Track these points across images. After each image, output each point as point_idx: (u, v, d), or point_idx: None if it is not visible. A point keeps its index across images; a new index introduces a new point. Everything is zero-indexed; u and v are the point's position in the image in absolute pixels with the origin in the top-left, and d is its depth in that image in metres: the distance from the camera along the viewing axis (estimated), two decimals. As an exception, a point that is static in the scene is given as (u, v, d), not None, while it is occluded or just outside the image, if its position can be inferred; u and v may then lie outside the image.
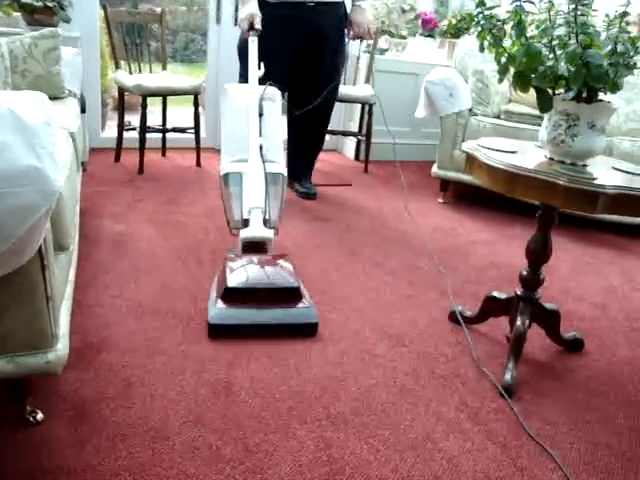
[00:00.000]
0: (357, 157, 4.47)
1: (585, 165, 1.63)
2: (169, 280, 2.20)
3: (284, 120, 2.78)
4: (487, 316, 2.00)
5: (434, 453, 1.43)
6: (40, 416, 1.41)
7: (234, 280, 1.92)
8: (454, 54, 3.91)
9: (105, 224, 2.71)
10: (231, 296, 1.88)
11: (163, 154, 4.10)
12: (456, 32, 4.50)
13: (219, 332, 1.83)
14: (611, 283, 2.60)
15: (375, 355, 1.83)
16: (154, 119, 4.02)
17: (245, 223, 2.16)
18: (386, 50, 4.55)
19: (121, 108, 3.70)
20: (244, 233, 2.12)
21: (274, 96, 2.55)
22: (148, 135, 3.62)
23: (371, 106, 4.01)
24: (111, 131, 4.09)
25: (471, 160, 1.68)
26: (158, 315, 1.94)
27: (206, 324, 1.86)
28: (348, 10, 3.22)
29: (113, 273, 2.21)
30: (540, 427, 1.57)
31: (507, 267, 2.63)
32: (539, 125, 3.18)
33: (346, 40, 3.24)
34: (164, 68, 3.89)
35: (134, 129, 3.73)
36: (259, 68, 2.64)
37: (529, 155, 1.71)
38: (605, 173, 1.58)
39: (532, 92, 1.60)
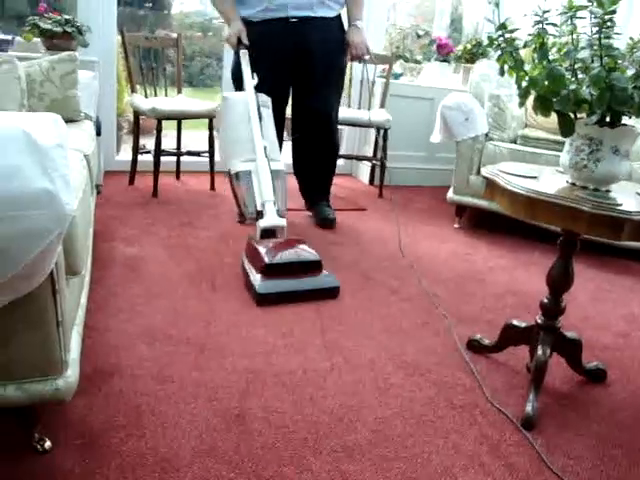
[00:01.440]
0: (372, 182, 4.45)
1: (608, 191, 1.59)
2: (182, 305, 2.17)
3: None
4: (506, 345, 1.95)
5: (454, 489, 1.38)
6: (48, 444, 1.38)
7: (269, 258, 2.32)
8: (469, 79, 3.89)
9: (118, 247, 2.70)
10: (270, 270, 2.28)
11: (177, 177, 4.10)
12: (471, 57, 4.49)
13: (266, 299, 2.22)
14: (632, 311, 2.53)
15: (392, 384, 1.78)
16: (169, 143, 4.03)
17: (259, 214, 2.57)
18: (401, 75, 4.55)
19: (136, 131, 3.71)
20: (263, 222, 2.54)
21: (267, 102, 2.88)
22: (163, 158, 3.62)
23: (386, 131, 4.00)
24: (126, 154, 4.11)
25: (491, 185, 1.65)
26: (170, 341, 1.91)
27: (253, 296, 2.25)
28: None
29: (125, 297, 2.19)
30: (564, 462, 1.51)
31: (525, 294, 2.57)
32: (556, 150, 3.18)
33: (345, 60, 3.19)
34: (179, 92, 3.91)
35: (149, 152, 3.73)
36: (252, 78, 2.89)
37: (550, 180, 1.67)
38: (629, 199, 1.54)
39: (548, 118, 1.57)
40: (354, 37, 3.08)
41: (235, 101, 2.82)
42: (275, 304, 2.20)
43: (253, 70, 2.91)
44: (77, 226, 1.35)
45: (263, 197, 2.59)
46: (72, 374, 1.34)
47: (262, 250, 2.36)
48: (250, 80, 2.87)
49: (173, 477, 1.33)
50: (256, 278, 2.28)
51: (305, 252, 2.42)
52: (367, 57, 3.13)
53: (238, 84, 3.02)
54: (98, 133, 3.14)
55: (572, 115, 1.54)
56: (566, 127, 1.54)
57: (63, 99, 2.40)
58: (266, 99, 2.87)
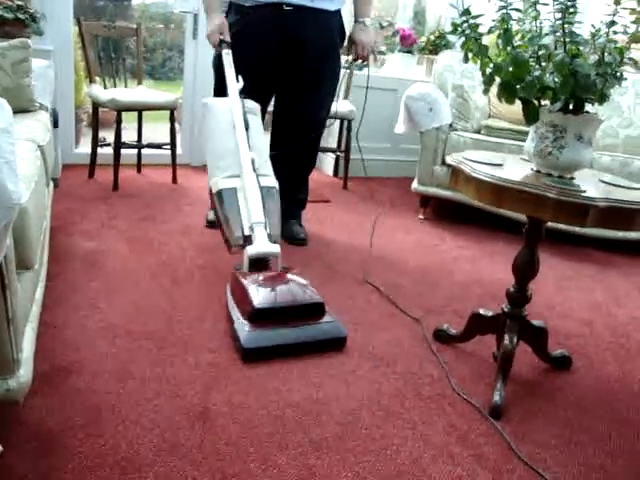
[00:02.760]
0: (336, 173, 4.42)
1: (572, 178, 1.59)
2: (143, 300, 2.11)
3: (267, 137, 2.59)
4: (473, 334, 1.94)
5: (422, 479, 1.36)
6: (0, 449, 1.31)
7: (260, 300, 1.87)
8: (433, 69, 3.89)
9: (77, 242, 2.61)
10: (259, 317, 1.85)
11: (138, 170, 4.00)
12: (434, 48, 4.50)
13: (255, 356, 1.79)
14: (595, 299, 2.56)
15: (359, 376, 1.76)
16: (130, 135, 3.94)
17: (247, 240, 2.13)
18: (365, 66, 4.52)
19: (95, 123, 3.61)
20: (251, 250, 2.08)
21: (255, 109, 2.52)
22: (123, 151, 3.53)
23: (350, 122, 3.97)
24: (85, 147, 3.99)
25: (456, 173, 1.63)
26: (131, 336, 1.85)
27: (238, 349, 1.81)
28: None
29: (84, 292, 2.12)
30: (531, 450, 1.50)
31: (491, 283, 2.58)
32: (519, 140, 3.20)
33: (343, 61, 2.91)
34: (139, 83, 3.82)
35: (109, 145, 3.64)
36: (237, 81, 2.51)
37: (515, 168, 1.66)
38: (593, 186, 1.54)
39: (511, 107, 1.56)
40: (361, 36, 2.78)
41: (217, 108, 2.44)
42: (265, 360, 1.79)
43: (235, 59, 2.54)
44: (29, 218, 1.29)
45: (251, 219, 2.15)
46: (25, 374, 1.28)
47: (250, 289, 1.91)
48: (234, 83, 2.48)
49: (134, 477, 1.28)
50: (242, 327, 1.84)
51: (304, 291, 1.97)
52: (372, 58, 2.92)
53: (219, 74, 2.64)
54: (55, 125, 3.04)
55: (536, 102, 1.54)
56: (530, 114, 1.54)
57: (16, 88, 2.31)
58: (253, 105, 2.51)
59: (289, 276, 2.05)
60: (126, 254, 2.52)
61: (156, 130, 4.58)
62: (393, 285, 2.46)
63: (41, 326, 1.82)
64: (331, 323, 1.92)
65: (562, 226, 3.09)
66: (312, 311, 1.92)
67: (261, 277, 2.00)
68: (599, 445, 1.55)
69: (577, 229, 3.13)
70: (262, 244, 2.09)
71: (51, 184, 2.70)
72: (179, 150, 4.05)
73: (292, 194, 2.97)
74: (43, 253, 1.95)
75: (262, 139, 2.47)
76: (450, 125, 3.40)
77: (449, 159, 1.67)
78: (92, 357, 1.72)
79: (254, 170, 2.25)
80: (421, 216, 3.53)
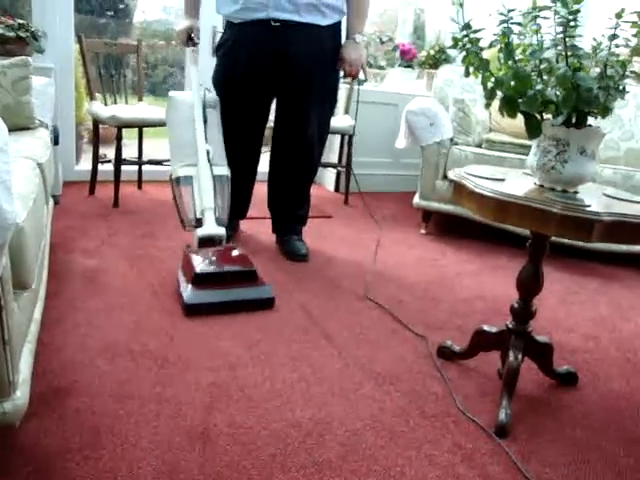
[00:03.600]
0: (337, 189, 4.41)
1: (576, 192, 1.57)
2: (143, 318, 2.09)
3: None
4: (477, 351, 1.91)
5: (428, 502, 1.33)
6: (-4, 472, 1.29)
7: (201, 267, 2.25)
8: (433, 84, 3.89)
9: (77, 259, 2.60)
10: (200, 281, 2.20)
11: (139, 187, 4.00)
12: (434, 63, 4.51)
13: (194, 310, 2.13)
14: (600, 313, 2.53)
15: (361, 395, 1.73)
16: (130, 152, 3.94)
17: (199, 222, 2.39)
18: (364, 80, 4.53)
19: (96, 140, 3.61)
20: (201, 231, 2.35)
21: (215, 103, 2.69)
22: (124, 168, 3.53)
23: (351, 137, 3.97)
24: (86, 164, 3.98)
25: (459, 189, 1.61)
26: (131, 356, 1.83)
27: (182, 307, 2.15)
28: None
29: (83, 311, 2.09)
30: (539, 469, 1.47)
31: (494, 298, 2.55)
32: (521, 153, 3.19)
33: (337, 76, 2.83)
34: (140, 100, 3.82)
35: (109, 161, 3.63)
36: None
37: (518, 182, 1.65)
38: (597, 200, 1.52)
39: (513, 121, 1.55)
40: (351, 52, 2.68)
41: (179, 101, 2.66)
42: (204, 315, 2.12)
43: (231, 77, 2.70)
44: (26, 237, 1.28)
45: (203, 204, 2.43)
46: (22, 396, 1.26)
47: (194, 259, 2.30)
48: (196, 79, 2.68)
49: (133, 501, 1.25)
50: (186, 288, 2.20)
51: (240, 261, 2.37)
52: (361, 76, 2.86)
53: (220, 91, 2.74)
54: (56, 142, 3.04)
55: (538, 116, 1.52)
56: (533, 128, 1.52)
57: (15, 105, 2.30)
58: (213, 99, 2.69)
59: (230, 251, 2.46)
60: (126, 271, 2.51)
61: (157, 146, 4.58)
62: (395, 301, 2.43)
63: (39, 346, 1.79)
64: (261, 287, 2.28)
65: (565, 240, 3.08)
66: (246, 277, 2.29)
67: (206, 253, 2.37)
68: (608, 464, 1.52)
69: (580, 243, 3.11)
70: (210, 227, 2.37)
71: (51, 201, 2.69)
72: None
73: (292, 210, 2.99)
74: (42, 272, 1.93)
75: (218, 132, 2.68)
76: (451, 139, 3.40)
77: (451, 174, 1.66)
78: (91, 377, 1.69)
79: (209, 160, 2.50)
80: (423, 231, 3.51)
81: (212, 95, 2.71)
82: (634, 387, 1.93)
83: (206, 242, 2.36)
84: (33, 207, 1.47)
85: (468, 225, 3.37)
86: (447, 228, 3.60)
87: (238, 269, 2.30)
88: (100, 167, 3.68)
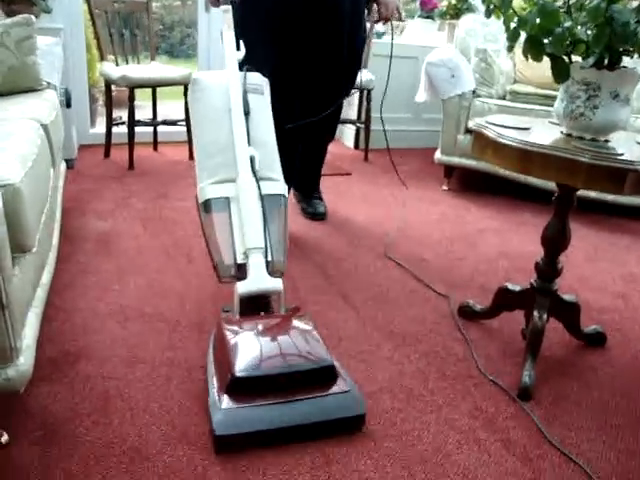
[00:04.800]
0: (357, 145, 4.30)
1: (607, 141, 1.46)
2: (156, 280, 2.04)
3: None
4: (500, 310, 1.84)
5: (447, 467, 1.28)
6: (5, 438, 1.26)
7: (243, 364, 1.34)
8: (455, 34, 3.73)
9: (90, 223, 2.56)
10: (241, 388, 1.33)
11: (155, 149, 3.94)
12: (456, 13, 4.31)
13: (231, 445, 1.29)
14: (630, 271, 2.43)
15: (379, 357, 1.67)
16: (146, 114, 3.87)
17: (240, 270, 1.62)
18: (383, 33, 4.37)
19: (109, 102, 3.54)
20: (243, 287, 1.56)
21: (261, 86, 1.93)
22: (139, 130, 3.47)
23: (369, 92, 3.84)
24: (101, 127, 3.93)
25: (479, 139, 1.52)
26: (142, 319, 1.79)
27: (209, 432, 1.32)
28: None
29: (95, 274, 2.06)
30: (563, 434, 1.41)
31: (518, 256, 2.46)
32: (547, 105, 3.04)
33: (367, 23, 2.60)
34: (152, 60, 3.73)
35: (124, 123, 3.57)
36: (238, 48, 1.99)
37: (544, 131, 1.54)
38: (631, 148, 1.41)
39: (539, 71, 1.44)
40: None
41: (208, 85, 1.87)
42: (245, 448, 1.29)
43: (245, 34, 2.06)
44: (23, 198, 1.22)
45: (246, 243, 1.62)
46: (25, 362, 1.22)
47: (232, 347, 1.40)
48: (233, 52, 1.94)
49: (142, 467, 1.22)
50: (217, 401, 1.33)
51: (307, 350, 1.42)
52: (397, 18, 2.58)
53: (249, 38, 2.08)
54: (68, 105, 2.97)
55: (566, 58, 1.41)
56: (560, 72, 1.41)
57: (21, 66, 2.23)
58: (258, 81, 1.93)
59: (290, 325, 1.54)
60: (140, 234, 2.46)
61: (172, 108, 4.50)
62: (416, 259, 2.36)
63: (50, 310, 1.77)
64: (343, 395, 1.37)
65: (593, 194, 2.95)
66: (317, 378, 1.38)
67: (251, 328, 1.49)
68: (636, 428, 1.45)
69: (609, 197, 2.99)
70: (258, 278, 1.58)
71: (63, 165, 2.64)
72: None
73: (317, 168, 2.86)
74: (52, 236, 1.89)
75: (269, 128, 1.89)
76: (473, 91, 3.25)
77: (471, 124, 1.56)
78: (102, 341, 1.66)
79: (254, 173, 1.71)
80: (445, 187, 3.40)
81: (256, 75, 1.94)
82: (666, 346, 1.84)
83: (252, 304, 1.59)
84: (33, 168, 1.41)
85: (491, 181, 3.26)
86: (470, 184, 3.49)
87: (307, 366, 1.38)
88: (115, 130, 3.63)
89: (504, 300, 1.81)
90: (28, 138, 1.59)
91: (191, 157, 3.70)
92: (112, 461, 1.23)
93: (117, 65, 3.55)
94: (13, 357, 1.18)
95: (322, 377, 1.39)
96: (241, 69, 1.90)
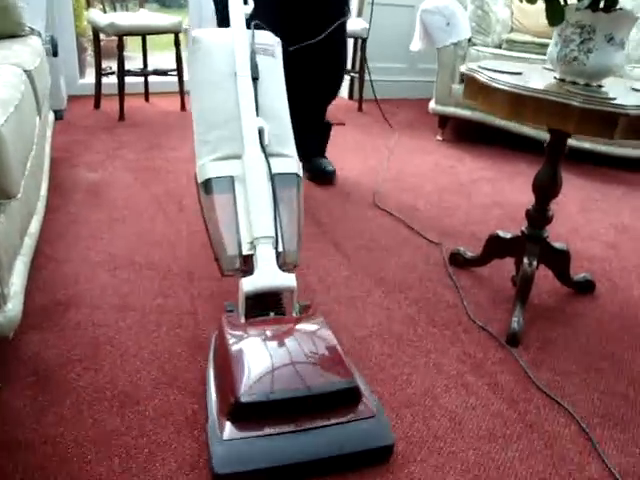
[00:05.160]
0: (351, 96, 4.24)
1: (600, 86, 1.44)
2: (147, 229, 2.04)
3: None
4: (491, 257, 1.84)
5: (434, 410, 1.30)
6: (-3, 383, 1.27)
7: (250, 386, 1.11)
8: (451, -20, 3.63)
9: (81, 173, 2.53)
10: (247, 415, 1.11)
11: (146, 99, 3.88)
12: (453, -42, 4.19)
13: None
14: (621, 221, 2.43)
15: (369, 303, 1.69)
16: (137, 64, 3.80)
17: (246, 262, 1.41)
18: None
19: (97, 50, 3.46)
20: (249, 284, 1.33)
21: (272, 47, 1.67)
22: (130, 80, 3.41)
23: (364, 41, 3.76)
24: (91, 77, 3.86)
25: (470, 84, 1.49)
26: (133, 267, 1.79)
27: (208, 467, 1.10)
28: None
29: (86, 224, 2.05)
30: (550, 377, 1.43)
31: (511, 205, 2.46)
32: (544, 54, 2.97)
33: None
34: (141, 7, 3.64)
35: (114, 73, 3.50)
36: (245, 2, 1.71)
37: (536, 76, 1.52)
38: (624, 94, 1.39)
39: (535, 20, 1.40)
40: None
41: (210, 46, 1.60)
42: None
43: None
44: (5, 142, 1.20)
45: (253, 231, 1.40)
46: (14, 308, 1.22)
47: (235, 362, 1.16)
48: (239, 5, 1.66)
49: (132, 411, 1.23)
50: (217, 430, 1.11)
51: (324, 365, 1.18)
52: None
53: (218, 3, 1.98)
54: (55, 53, 2.91)
55: (561, 0, 1.37)
56: (554, 14, 1.37)
57: (1, 10, 2.17)
58: (269, 41, 1.67)
59: (305, 332, 1.27)
60: (131, 184, 2.44)
61: (164, 58, 4.42)
62: (408, 208, 2.35)
63: (41, 259, 1.77)
64: (368, 421, 1.14)
65: (588, 145, 2.94)
66: (338, 401, 1.15)
67: (259, 335, 1.24)
68: (621, 372, 1.47)
69: (603, 148, 2.97)
70: (267, 273, 1.35)
71: (51, 115, 2.60)
72: (187, 76, 3.89)
73: (318, 124, 2.64)
74: (40, 185, 1.88)
75: (281, 97, 1.64)
76: (469, 40, 3.19)
77: (463, 68, 1.53)
78: (92, 289, 1.66)
79: (263, 148, 1.48)
80: (439, 137, 3.37)
81: (266, 34, 1.69)
82: (654, 294, 1.86)
83: (260, 302, 1.36)
84: (15, 114, 1.38)
85: (486, 131, 3.23)
86: (464, 134, 3.46)
87: (327, 387, 1.13)
88: (106, 80, 3.56)
89: (495, 247, 1.81)
90: (10, 83, 1.56)
91: (183, 108, 3.66)
92: (103, 405, 1.25)
93: (105, 12, 3.47)
94: (0, 303, 1.18)
95: (344, 400, 1.15)
96: (249, 26, 1.64)
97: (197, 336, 1.48)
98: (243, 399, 1.09)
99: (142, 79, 3.78)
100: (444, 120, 3.36)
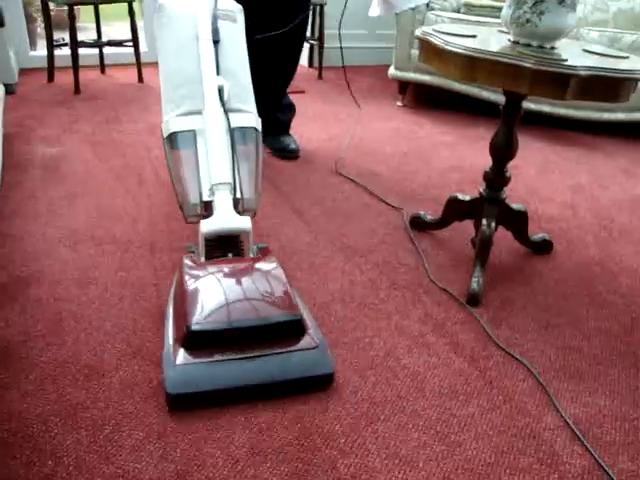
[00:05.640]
0: (311, 64, 4.21)
1: (553, 48, 1.46)
2: (107, 203, 2.01)
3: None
4: (450, 220, 1.87)
5: (397, 371, 1.33)
6: (-43, 362, 1.26)
7: (202, 315, 1.22)
8: (409, -56, 3.60)
9: (36, 149, 2.48)
10: (198, 343, 1.22)
11: (102, 71, 3.79)
12: None
13: (185, 403, 1.19)
14: (579, 182, 2.48)
15: (331, 268, 1.70)
16: (91, 35, 3.69)
17: (207, 208, 1.51)
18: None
19: (47, 21, 3.35)
20: (207, 225, 1.44)
21: (233, 12, 1.78)
22: (84, 52, 3.33)
23: (322, 7, 3.72)
24: (43, 50, 3.75)
25: (425, 47, 1.49)
26: (93, 242, 1.77)
27: (161, 387, 1.22)
28: None
29: (44, 200, 2.01)
30: (509, 335, 1.47)
31: (470, 169, 2.49)
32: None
33: None
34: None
35: (66, 45, 3.41)
36: None
37: (490, 39, 1.53)
38: (576, 55, 1.41)
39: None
40: None
41: (175, 12, 1.70)
42: (202, 407, 1.19)
43: None
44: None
45: (213, 178, 1.51)
46: (-30, 284, 1.19)
47: (191, 292, 1.28)
48: None
49: (98, 384, 1.23)
50: (171, 356, 1.21)
51: (272, 300, 1.28)
52: None
53: None
54: (1, 24, 2.82)
55: (513, -40, 1.38)
56: (506, -25, 1.38)
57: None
58: (232, 7, 1.79)
59: (257, 270, 1.37)
60: (89, 158, 2.40)
61: (119, 29, 4.31)
62: (369, 174, 2.36)
63: (-3, 237, 1.74)
64: (311, 351, 1.26)
65: (546, 108, 2.98)
66: (284, 332, 1.26)
67: (214, 272, 1.34)
68: (576, 327, 1.52)
69: (562, 111, 3.01)
70: (224, 217, 1.46)
71: (1, 88, 2.53)
72: (144, 47, 3.81)
73: (280, 99, 2.60)
74: (-7, 159, 1.83)
75: (242, 57, 1.76)
76: (427, 5, 3.19)
77: (417, 32, 1.53)
78: (53, 266, 1.64)
79: (222, 104, 1.58)
80: (399, 103, 3.38)
81: (229, 1, 1.80)
82: (609, 254, 1.91)
83: (217, 244, 1.46)
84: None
85: (446, 96, 3.25)
86: (424, 100, 3.47)
87: (270, 320, 1.24)
88: (58, 52, 3.47)
89: (454, 210, 1.84)
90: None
91: (140, 80, 3.58)
92: (68, 379, 1.24)
93: (53, -20, 3.35)
94: (-43, 280, 1.16)
95: (289, 331, 1.26)
96: None
97: (160, 307, 1.48)
98: (195, 327, 1.20)
99: (97, 50, 3.68)
100: (404, 86, 3.37)
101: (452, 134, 2.95)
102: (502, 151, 1.62)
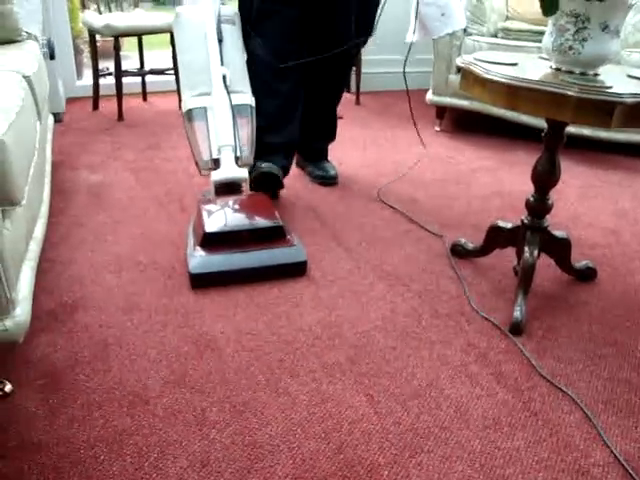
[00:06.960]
0: (348, 89, 4.24)
1: (597, 74, 1.45)
2: (149, 230, 2.05)
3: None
4: (492, 248, 1.86)
5: (440, 401, 1.31)
6: (9, 387, 1.29)
7: (212, 225, 1.81)
8: (446, -30, 3.62)
9: (81, 176, 2.55)
10: (211, 242, 1.77)
11: (144, 99, 3.88)
12: (447, -52, 4.18)
13: (202, 281, 1.72)
14: (622, 207, 2.44)
15: (372, 297, 1.70)
16: (133, 64, 3.80)
17: (216, 163, 2.04)
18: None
19: (94, 52, 3.46)
20: (216, 175, 2.00)
21: (232, 17, 2.26)
22: (127, 80, 3.42)
23: (360, 33, 3.76)
24: (88, 79, 3.87)
25: (467, 76, 1.50)
26: (137, 268, 1.80)
27: (187, 275, 1.74)
28: None
29: (90, 227, 2.06)
30: (553, 366, 1.44)
31: (511, 195, 2.47)
32: (539, 42, 2.98)
33: None
34: (136, 7, 3.64)
35: (111, 74, 3.51)
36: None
37: (532, 66, 1.52)
38: (620, 81, 1.40)
39: (531, 7, 1.40)
40: None
41: (188, 18, 2.22)
42: (216, 285, 1.72)
43: None
44: (8, 151, 1.21)
45: (219, 141, 2.04)
46: (22, 313, 1.23)
47: (205, 213, 1.86)
48: None
49: (142, 410, 1.25)
50: (192, 252, 1.78)
51: (261, 215, 1.88)
52: None
53: (246, 21, 2.26)
54: (52, 57, 2.91)
55: (555, -11, 1.38)
56: (548, 4, 1.38)
57: (-1, 16, 2.18)
58: (231, 13, 2.24)
59: (252, 200, 1.99)
60: (132, 185, 2.46)
61: (161, 57, 4.42)
62: (409, 201, 2.36)
63: (46, 263, 1.79)
64: (289, 248, 1.81)
65: (587, 132, 2.94)
66: (269, 235, 1.82)
67: (223, 203, 1.94)
68: (624, 358, 1.48)
69: (603, 134, 2.97)
70: (228, 169, 2.01)
71: (51, 118, 2.61)
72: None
73: (320, 130, 2.65)
74: (42, 190, 1.89)
75: (237, 53, 2.23)
76: (465, 30, 3.19)
77: (459, 60, 1.54)
78: (99, 291, 1.68)
79: (225, 87, 2.09)
80: (437, 128, 3.38)
81: (229, 8, 2.28)
82: (655, 279, 1.87)
83: (224, 189, 2.01)
84: (17, 121, 1.39)
85: (484, 121, 3.24)
86: (462, 125, 3.46)
87: (259, 225, 1.83)
88: (103, 81, 3.57)
89: (496, 238, 1.82)
90: (10, 90, 1.57)
91: (181, 107, 3.66)
92: (113, 406, 1.26)
93: (100, 14, 3.47)
94: (9, 309, 1.20)
95: (274, 234, 1.82)
96: None
97: (203, 334, 1.50)
98: (208, 230, 1.78)
99: (139, 79, 3.78)
100: (442, 111, 3.37)
101: (491, 159, 2.94)
102: (544, 179, 1.60)
